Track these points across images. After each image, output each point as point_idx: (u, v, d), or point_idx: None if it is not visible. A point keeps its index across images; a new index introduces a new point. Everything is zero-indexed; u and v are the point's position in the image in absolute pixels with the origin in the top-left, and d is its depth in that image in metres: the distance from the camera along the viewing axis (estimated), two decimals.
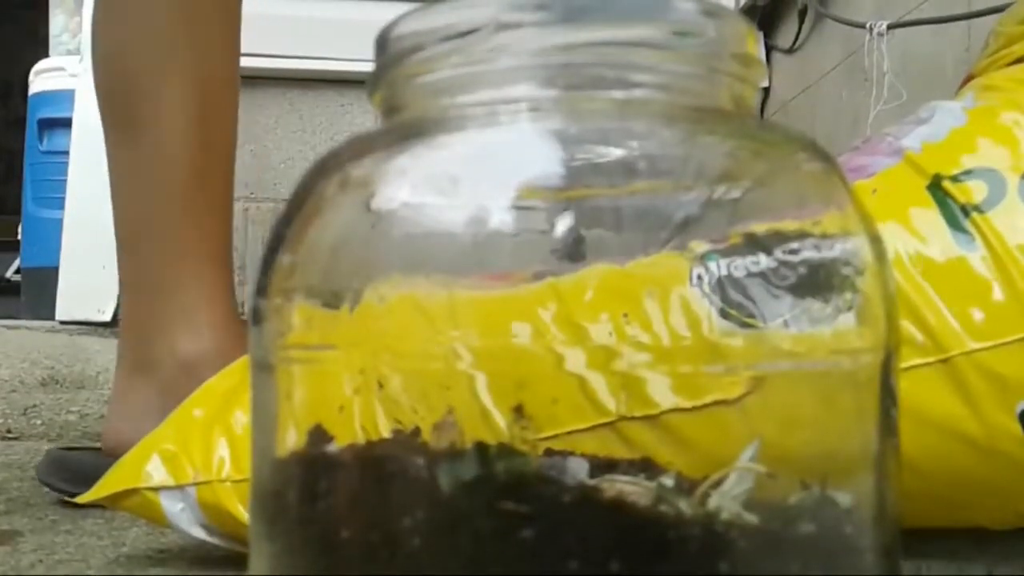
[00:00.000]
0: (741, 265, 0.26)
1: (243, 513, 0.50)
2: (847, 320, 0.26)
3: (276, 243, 0.26)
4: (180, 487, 0.52)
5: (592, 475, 0.27)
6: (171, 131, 0.77)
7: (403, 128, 0.26)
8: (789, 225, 0.26)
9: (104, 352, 1.49)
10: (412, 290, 0.25)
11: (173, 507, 0.52)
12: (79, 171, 1.84)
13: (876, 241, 0.26)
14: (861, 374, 0.26)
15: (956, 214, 0.47)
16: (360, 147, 0.26)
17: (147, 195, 0.78)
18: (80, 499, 0.55)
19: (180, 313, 0.76)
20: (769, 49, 1.77)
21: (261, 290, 0.26)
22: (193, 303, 0.76)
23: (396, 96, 0.27)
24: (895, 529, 0.25)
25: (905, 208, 0.48)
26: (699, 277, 0.26)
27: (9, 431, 1.23)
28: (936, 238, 0.47)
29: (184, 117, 0.77)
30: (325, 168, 0.26)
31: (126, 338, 0.79)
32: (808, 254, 0.25)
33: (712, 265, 0.26)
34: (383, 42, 0.27)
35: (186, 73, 0.77)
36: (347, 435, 0.26)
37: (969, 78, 0.59)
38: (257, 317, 0.27)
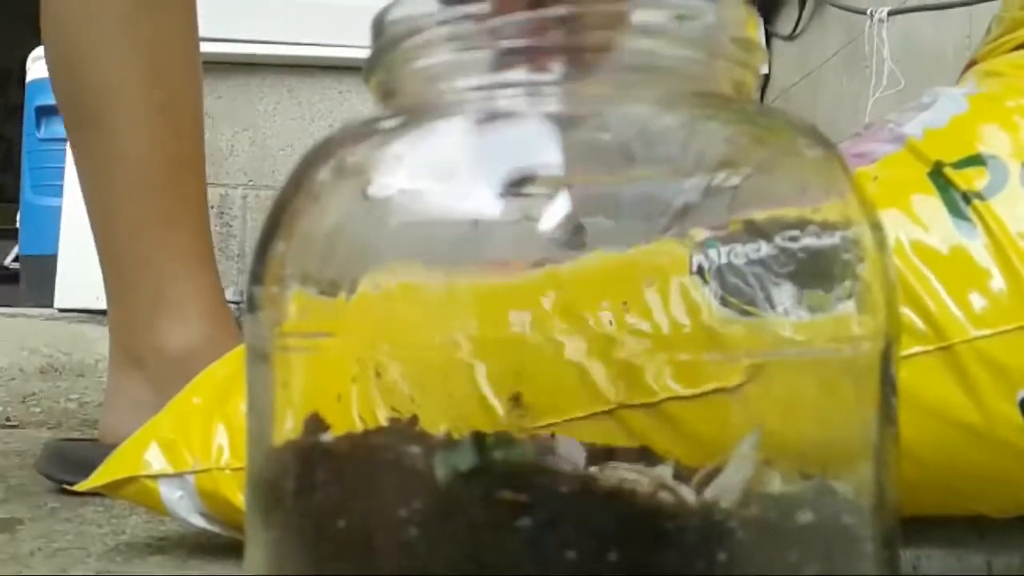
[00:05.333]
0: (741, 252, 0.25)
1: (242, 501, 0.50)
2: (847, 308, 0.25)
3: (271, 230, 0.26)
4: (179, 475, 0.52)
5: (590, 464, 0.27)
6: (130, 123, 0.75)
7: (399, 113, 0.26)
8: (790, 212, 0.26)
9: (103, 340, 1.48)
10: (409, 278, 0.25)
11: (172, 495, 0.52)
12: None
13: (877, 228, 0.26)
14: (861, 362, 0.25)
15: (957, 201, 0.47)
16: (356, 133, 0.26)
17: (114, 190, 0.77)
18: (79, 487, 0.55)
19: (164, 305, 0.75)
20: (769, 35, 1.77)
21: (256, 278, 0.26)
22: (176, 294, 0.76)
23: (392, 81, 0.26)
24: (894, 518, 0.25)
25: (906, 195, 0.47)
26: (699, 265, 0.26)
27: (8, 419, 1.23)
28: (937, 225, 0.46)
29: (143, 108, 0.75)
30: (320, 155, 0.26)
31: (115, 333, 0.79)
32: (808, 241, 0.25)
33: (712, 252, 0.26)
34: (379, 26, 0.27)
35: (141, 63, 0.75)
36: (344, 424, 0.26)
37: (971, 64, 0.58)
38: (252, 305, 0.26)
